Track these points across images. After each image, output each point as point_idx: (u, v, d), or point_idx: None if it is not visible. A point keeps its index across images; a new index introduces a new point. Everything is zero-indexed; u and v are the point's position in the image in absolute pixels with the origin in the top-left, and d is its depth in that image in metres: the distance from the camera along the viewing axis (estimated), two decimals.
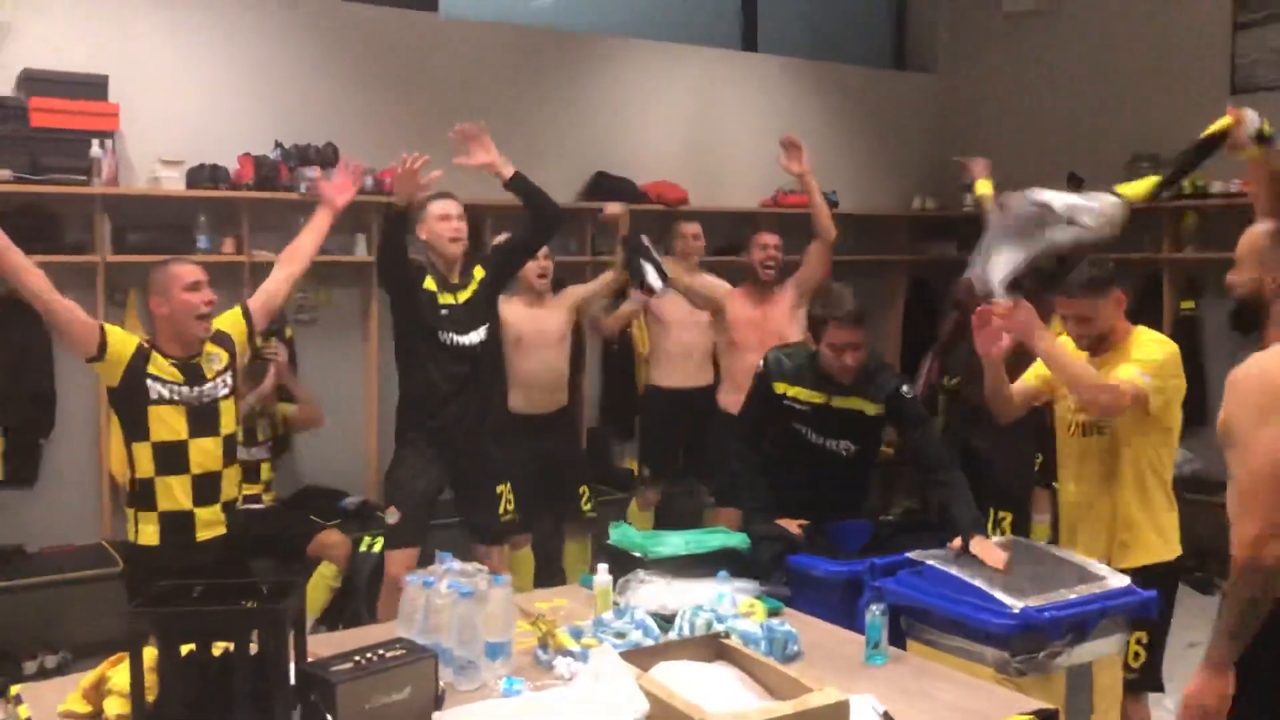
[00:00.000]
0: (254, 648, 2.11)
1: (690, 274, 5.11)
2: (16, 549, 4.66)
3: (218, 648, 2.14)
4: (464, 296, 4.07)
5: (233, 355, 3.27)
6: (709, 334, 5.24)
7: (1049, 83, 7.10)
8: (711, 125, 6.78)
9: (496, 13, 6.23)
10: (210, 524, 3.15)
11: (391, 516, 4.04)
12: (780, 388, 3.59)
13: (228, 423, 3.20)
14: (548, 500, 4.98)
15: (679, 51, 6.67)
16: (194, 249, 4.94)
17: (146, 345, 3.11)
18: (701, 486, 5.57)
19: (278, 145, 5.19)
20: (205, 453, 3.13)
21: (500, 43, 6.01)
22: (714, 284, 5.12)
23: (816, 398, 3.53)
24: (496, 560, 4.13)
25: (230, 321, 3.32)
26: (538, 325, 4.83)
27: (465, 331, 4.04)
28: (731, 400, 4.68)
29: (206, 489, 3.14)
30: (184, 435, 3.10)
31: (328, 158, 5.23)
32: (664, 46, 6.61)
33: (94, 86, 4.72)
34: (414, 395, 4.08)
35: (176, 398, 3.09)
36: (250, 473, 4.75)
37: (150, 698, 2.10)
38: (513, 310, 4.79)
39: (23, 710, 2.31)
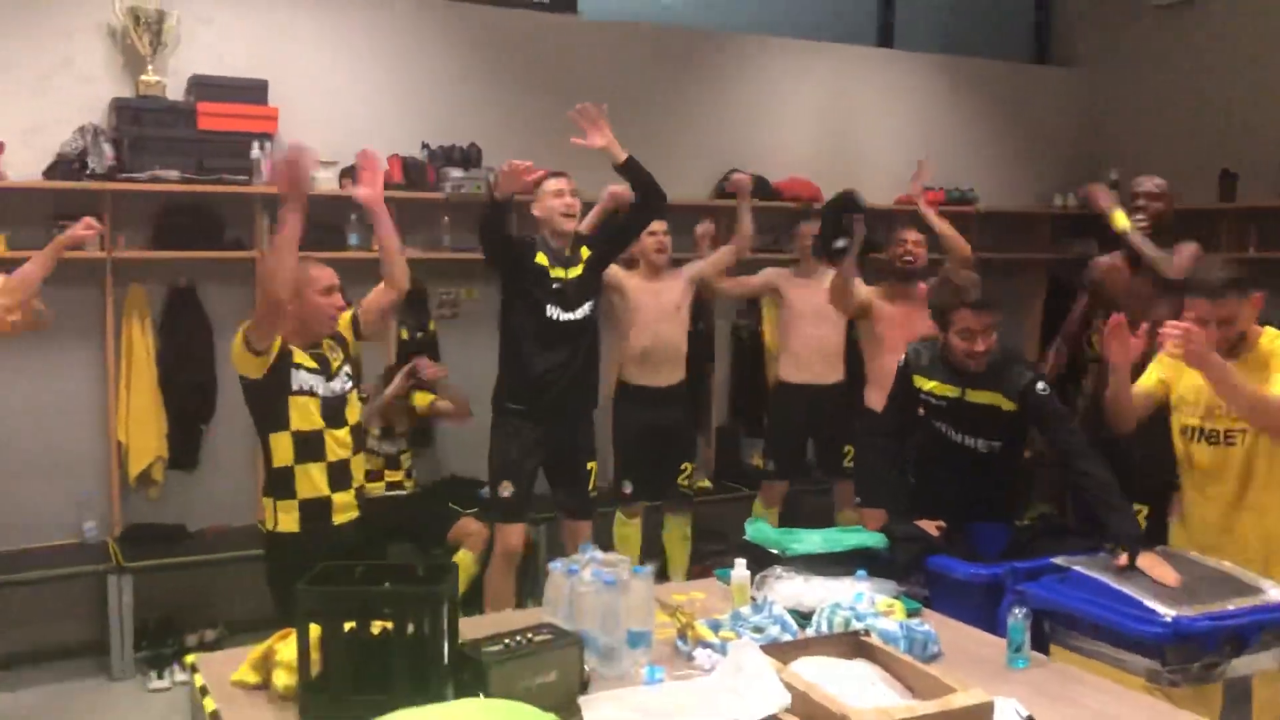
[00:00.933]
0: (411, 628, 2.20)
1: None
2: (179, 528, 4.96)
3: (377, 627, 2.25)
4: (574, 273, 4.20)
5: (347, 354, 3.37)
6: (840, 329, 5.22)
7: (1199, 76, 6.83)
8: (846, 123, 6.73)
9: (635, 13, 6.32)
10: (345, 509, 3.25)
11: (505, 490, 4.18)
12: (919, 381, 3.56)
13: (353, 414, 3.31)
14: (652, 473, 5.09)
15: (814, 49, 6.64)
16: (345, 246, 5.16)
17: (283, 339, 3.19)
18: (831, 485, 5.54)
19: (424, 146, 5.38)
20: (339, 441, 3.23)
21: (638, 42, 6.10)
22: (861, 291, 5.08)
23: (952, 391, 3.47)
24: (584, 534, 4.30)
25: (343, 325, 3.41)
26: (656, 299, 4.95)
27: (571, 308, 4.18)
28: (876, 399, 4.70)
29: (341, 475, 3.24)
30: (320, 425, 3.19)
31: (472, 158, 5.39)
32: (799, 44, 6.59)
33: (255, 91, 4.97)
34: (515, 371, 4.22)
35: (316, 389, 3.18)
36: (391, 461, 4.95)
37: (314, 671, 2.23)
38: (632, 283, 4.94)
39: (198, 679, 2.47)
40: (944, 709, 2.04)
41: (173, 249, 4.86)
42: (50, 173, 4.62)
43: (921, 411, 3.60)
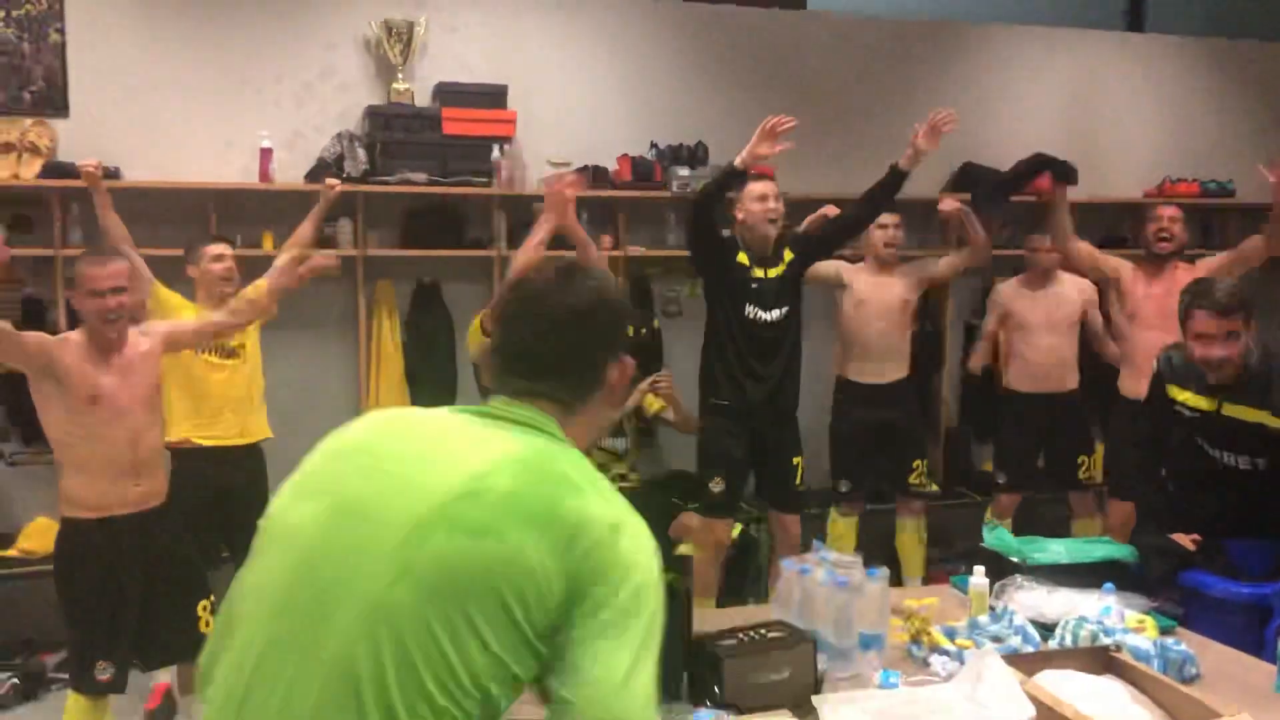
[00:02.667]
0: None
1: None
2: None
3: None
4: (774, 273, 4.21)
5: None
6: (1072, 339, 5.01)
7: None
8: (1091, 112, 6.39)
9: (863, 5, 6.21)
10: None
11: (716, 485, 4.22)
12: (1172, 391, 3.33)
13: None
14: (879, 470, 5.02)
15: (1056, 35, 6.34)
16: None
17: None
18: (1066, 495, 5.29)
19: (653, 145, 5.47)
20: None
21: (868, 36, 5.99)
22: (1111, 261, 4.87)
23: (1205, 404, 3.21)
24: (792, 528, 4.34)
25: None
26: (880, 293, 4.88)
27: (770, 307, 4.19)
28: (1130, 385, 4.54)
29: None
30: None
31: (699, 157, 5.44)
32: (1041, 31, 6.31)
33: (495, 96, 5.18)
34: (718, 368, 4.26)
35: None
36: (616, 456, 5.06)
37: None
38: (857, 277, 4.89)
39: None
40: None
41: (418, 248, 5.13)
42: (311, 176, 4.96)
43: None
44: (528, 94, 5.32)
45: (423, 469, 1.39)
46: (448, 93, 5.12)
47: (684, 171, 5.36)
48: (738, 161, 4.08)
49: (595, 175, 5.31)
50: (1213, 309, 3.05)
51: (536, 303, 1.54)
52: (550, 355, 1.51)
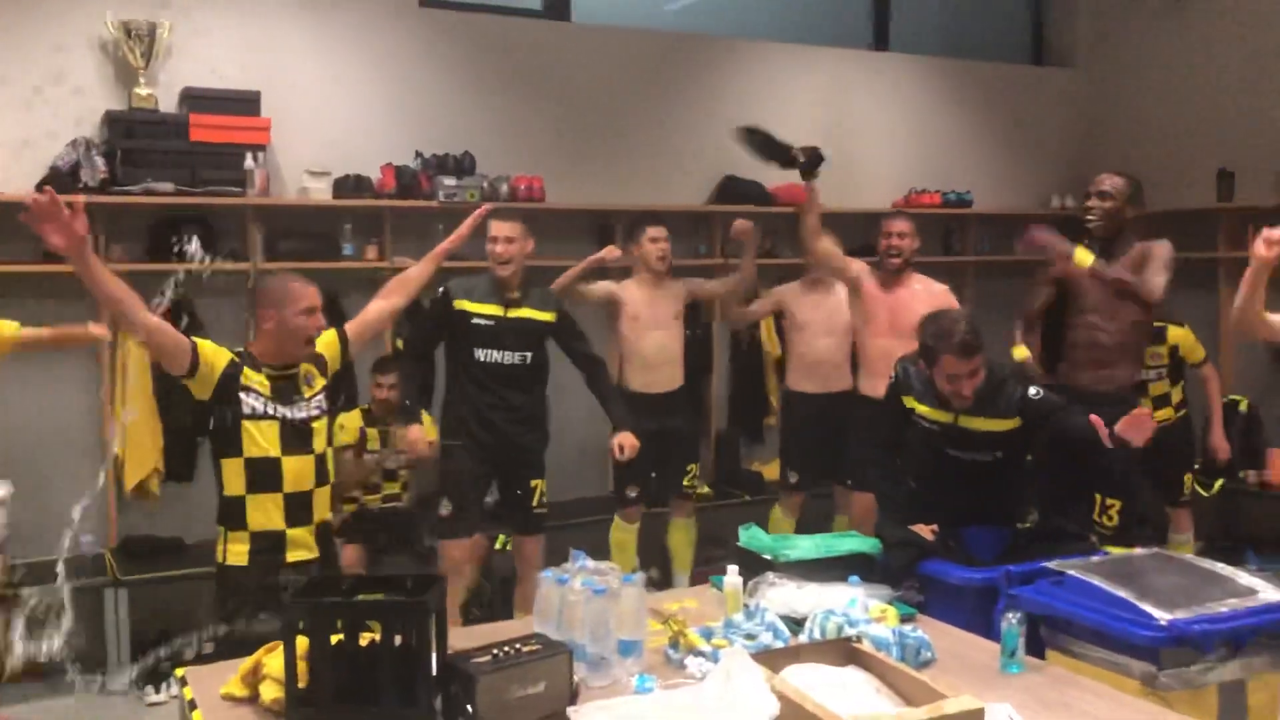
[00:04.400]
0: (399, 640, 2.19)
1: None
2: (175, 540, 4.94)
3: (365, 638, 2.24)
4: (514, 314, 4.31)
5: (327, 378, 3.17)
6: (847, 339, 5.21)
7: (1195, 75, 6.82)
8: (842, 126, 6.72)
9: (627, 19, 6.31)
10: (301, 545, 3.02)
11: (445, 508, 4.32)
12: (910, 402, 3.54)
13: (320, 443, 3.07)
14: (656, 477, 5.10)
15: (809, 53, 6.64)
16: (339, 256, 5.16)
17: (238, 360, 2.99)
18: (834, 491, 5.52)
19: (418, 155, 5.38)
20: (297, 471, 3.00)
21: (630, 48, 6.09)
22: (854, 264, 5.06)
23: (944, 417, 3.45)
24: (527, 549, 4.46)
25: (325, 343, 3.18)
26: (655, 307, 4.97)
27: (509, 348, 4.29)
28: (867, 384, 4.79)
29: (299, 509, 3.01)
30: (276, 452, 2.97)
31: (465, 166, 5.39)
32: (794, 48, 6.59)
33: (247, 102, 4.97)
34: (459, 407, 4.35)
35: (270, 412, 2.97)
36: (390, 474, 4.94)
37: (302, 684, 2.22)
38: (629, 291, 4.96)
39: (187, 692, 2.45)
40: (934, 716, 2.02)
41: (166, 262, 4.85)
42: (42, 186, 4.61)
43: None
44: (283, 100, 5.13)
45: None
46: (196, 98, 4.87)
47: (450, 181, 5.29)
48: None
49: (358, 184, 5.17)
50: (961, 354, 3.26)
51: None
52: None
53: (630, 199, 5.90)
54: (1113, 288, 4.10)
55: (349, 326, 3.31)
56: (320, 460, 3.07)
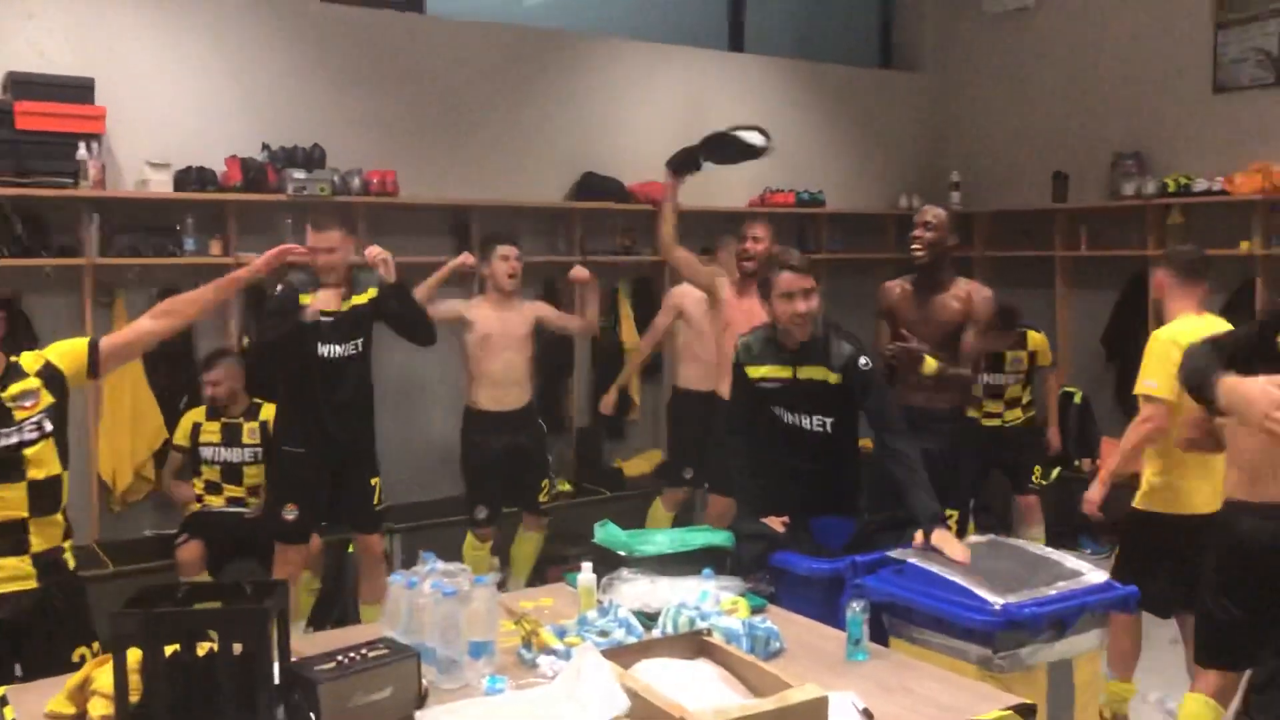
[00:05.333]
0: (238, 648, 2.12)
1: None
2: None
3: (203, 648, 2.15)
4: (346, 306, 4.27)
5: (60, 395, 2.88)
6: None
7: (1034, 81, 7.14)
8: (699, 125, 6.71)
9: (483, 12, 6.24)
10: (14, 577, 2.79)
11: (290, 513, 4.27)
12: (751, 372, 3.65)
13: (38, 469, 2.81)
14: (510, 494, 5.10)
15: (666, 52, 6.69)
16: (181, 251, 4.96)
17: None
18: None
19: (265, 147, 5.21)
20: (4, 500, 2.77)
21: (487, 42, 6.03)
22: (708, 271, 5.13)
23: (783, 372, 3.58)
24: (374, 547, 4.47)
25: (68, 355, 2.93)
26: (504, 326, 4.94)
27: (342, 341, 4.26)
28: (725, 387, 4.80)
29: (7, 539, 2.78)
30: None
31: (315, 159, 5.25)
32: (651, 47, 6.63)
33: (80, 90, 4.73)
34: (293, 407, 4.32)
35: None
36: (232, 476, 4.76)
37: (135, 698, 2.12)
38: (479, 311, 4.92)
39: (9, 711, 2.32)
40: (780, 706, 2.06)
41: None
42: None
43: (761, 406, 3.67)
44: (120, 89, 4.89)
45: None
46: (21, 84, 4.61)
47: (300, 174, 5.15)
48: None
49: (200, 177, 4.98)
50: (795, 269, 3.46)
51: None
52: None
53: (488, 194, 5.85)
54: (938, 332, 4.26)
55: (106, 342, 3.01)
56: (40, 487, 2.81)
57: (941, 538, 3.05)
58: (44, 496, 2.83)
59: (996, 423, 5.62)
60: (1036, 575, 2.84)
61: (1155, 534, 3.64)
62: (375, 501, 4.42)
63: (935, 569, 2.85)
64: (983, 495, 5.70)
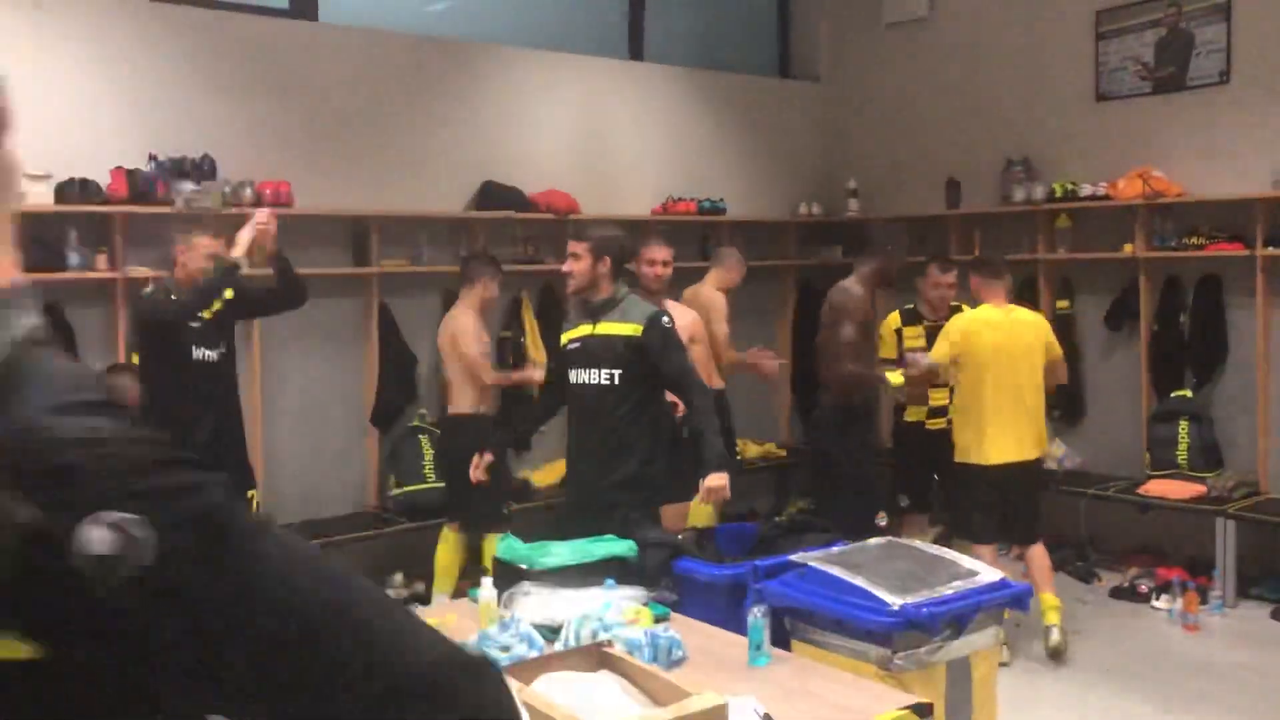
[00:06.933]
0: None
1: None
2: None
3: None
4: (208, 314, 4.28)
5: None
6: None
7: (928, 91, 7.30)
8: (600, 133, 6.80)
9: (379, 20, 6.15)
10: None
11: None
12: (563, 340, 3.90)
13: None
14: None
15: (566, 61, 6.68)
16: (65, 266, 4.78)
17: None
18: None
19: (152, 158, 5.05)
20: None
21: (383, 51, 5.94)
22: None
23: (584, 329, 3.79)
24: None
25: None
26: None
27: (213, 346, 4.34)
28: None
29: None
30: None
31: (205, 170, 5.12)
32: (551, 56, 6.61)
33: None
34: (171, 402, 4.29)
35: None
36: None
37: None
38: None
39: None
40: (679, 715, 2.05)
41: None
42: None
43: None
44: None
45: None
46: None
47: (189, 186, 5.01)
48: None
49: (84, 189, 4.81)
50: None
51: None
52: None
53: (386, 204, 5.77)
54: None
55: None
56: None
57: (717, 481, 3.54)
58: None
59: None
60: (933, 575, 2.89)
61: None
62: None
63: (835, 571, 2.88)
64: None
